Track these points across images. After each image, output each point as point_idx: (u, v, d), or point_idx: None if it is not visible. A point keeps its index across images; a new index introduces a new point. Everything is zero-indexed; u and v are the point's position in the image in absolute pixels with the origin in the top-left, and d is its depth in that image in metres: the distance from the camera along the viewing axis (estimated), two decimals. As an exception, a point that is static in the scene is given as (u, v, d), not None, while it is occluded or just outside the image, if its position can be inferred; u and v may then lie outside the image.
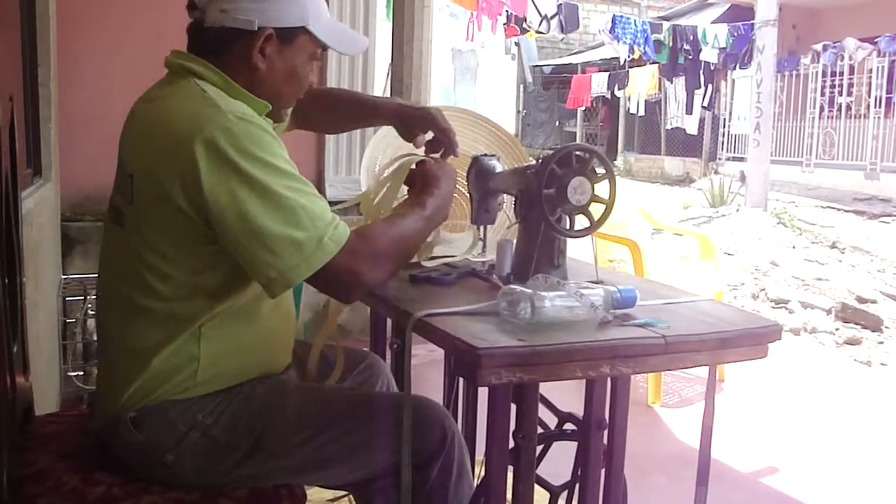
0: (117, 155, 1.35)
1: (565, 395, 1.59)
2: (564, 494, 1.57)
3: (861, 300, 5.21)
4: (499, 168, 1.61)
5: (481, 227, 1.65)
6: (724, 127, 13.00)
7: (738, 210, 8.87)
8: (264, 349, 1.39)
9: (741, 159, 11.24)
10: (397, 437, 1.24)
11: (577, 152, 1.38)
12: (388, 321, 1.92)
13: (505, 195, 1.63)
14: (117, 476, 1.31)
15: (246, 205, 1.16)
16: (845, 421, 3.25)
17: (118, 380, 1.31)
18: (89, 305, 2.93)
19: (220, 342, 1.30)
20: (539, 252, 1.39)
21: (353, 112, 1.73)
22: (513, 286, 1.23)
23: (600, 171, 1.39)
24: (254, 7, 1.29)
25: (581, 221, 1.42)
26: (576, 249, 1.58)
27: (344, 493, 2.25)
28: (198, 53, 1.32)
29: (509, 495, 1.39)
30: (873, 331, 4.74)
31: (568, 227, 1.41)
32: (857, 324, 4.83)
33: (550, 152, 1.39)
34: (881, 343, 4.56)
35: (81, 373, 2.91)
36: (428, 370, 2.41)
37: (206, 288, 1.27)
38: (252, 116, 1.23)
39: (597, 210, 1.41)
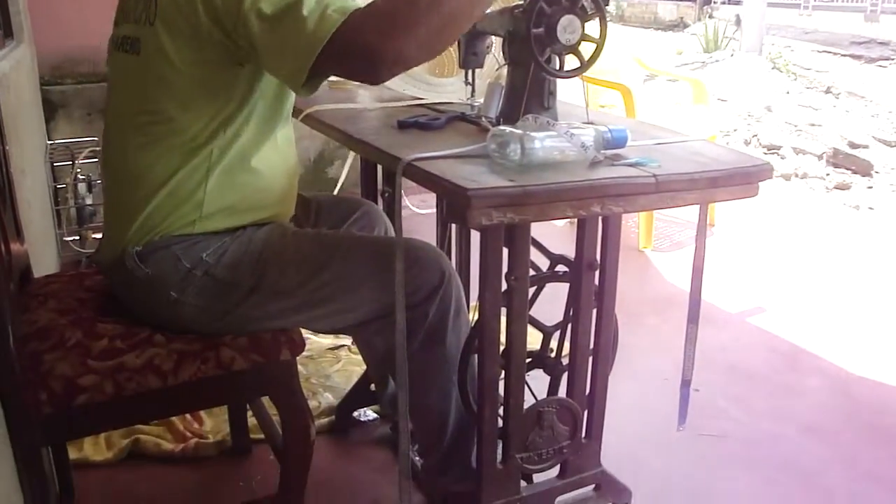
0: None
1: (557, 240, 1.61)
2: (557, 335, 1.62)
3: (853, 145, 5.19)
4: (486, 9, 1.56)
5: (469, 71, 1.62)
6: (720, -32, 12.53)
7: (732, 55, 8.68)
8: (270, 192, 1.41)
9: (737, 2, 10.89)
10: (393, 279, 1.26)
11: (567, -11, 1.33)
12: (379, 172, 1.91)
13: (493, 37, 1.58)
14: (121, 325, 1.35)
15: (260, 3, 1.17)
16: (831, 262, 3.32)
17: (126, 212, 1.34)
18: (78, 170, 2.91)
19: (226, 175, 1.32)
20: (528, 94, 1.37)
21: None
22: (502, 128, 1.22)
23: (590, 8, 1.35)
24: None
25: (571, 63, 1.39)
26: (566, 94, 1.55)
27: (342, 343, 2.34)
28: None
29: (503, 337, 1.43)
30: (863, 176, 4.75)
31: (558, 67, 1.38)
32: (847, 169, 4.84)
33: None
34: (870, 188, 4.58)
35: (77, 237, 2.92)
36: (420, 221, 2.42)
37: (220, 113, 1.29)
38: None
39: (587, 50, 1.38)
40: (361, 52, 1.14)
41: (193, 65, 1.26)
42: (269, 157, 1.38)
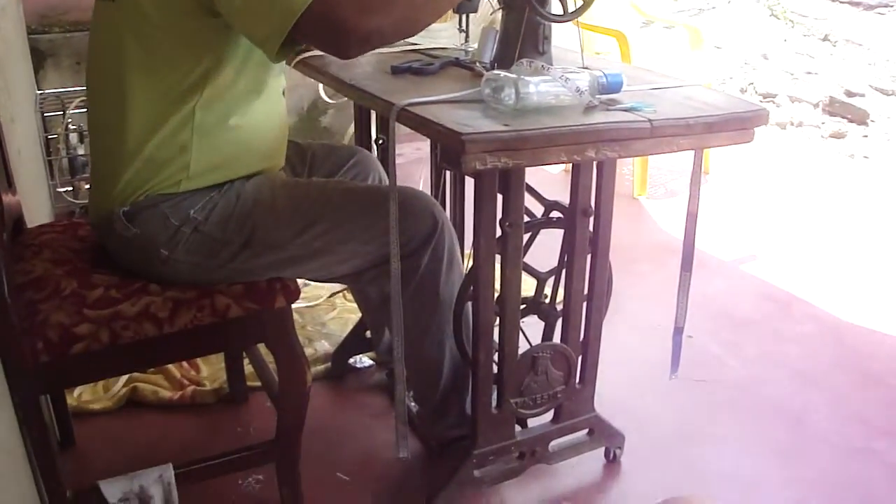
0: None
1: (551, 187, 1.61)
2: (551, 281, 1.62)
3: (850, 94, 5.15)
4: (480, -48, 1.53)
5: (463, 16, 1.60)
6: (718, -87, 12.28)
7: (729, 1, 8.57)
8: (258, 149, 1.39)
9: (735, -51, 10.70)
10: (386, 228, 1.26)
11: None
12: (373, 119, 1.89)
13: (487, -19, 1.56)
14: (115, 276, 1.34)
15: None
16: (825, 211, 3.32)
17: (112, 170, 1.32)
18: (69, 120, 2.87)
19: (212, 136, 1.30)
20: (523, 39, 1.35)
21: None
22: (497, 72, 1.21)
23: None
24: None
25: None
26: (561, 40, 1.53)
27: (337, 290, 2.34)
28: None
29: (497, 284, 1.44)
30: (859, 124, 4.73)
31: (553, 12, 1.36)
32: (843, 117, 4.81)
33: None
34: (865, 137, 4.56)
35: (70, 188, 2.90)
36: (415, 168, 2.40)
37: (198, 66, 1.26)
38: None
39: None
40: (335, 27, 1.15)
41: (166, 15, 1.23)
42: (257, 114, 1.36)
